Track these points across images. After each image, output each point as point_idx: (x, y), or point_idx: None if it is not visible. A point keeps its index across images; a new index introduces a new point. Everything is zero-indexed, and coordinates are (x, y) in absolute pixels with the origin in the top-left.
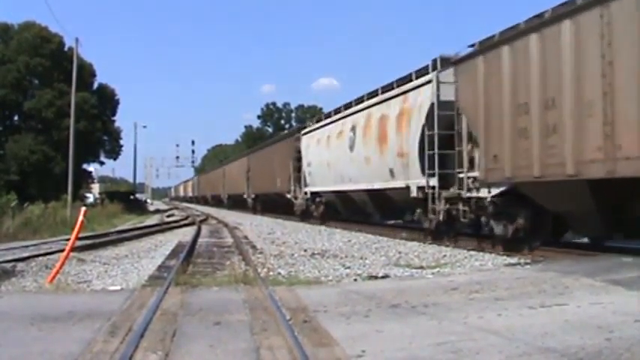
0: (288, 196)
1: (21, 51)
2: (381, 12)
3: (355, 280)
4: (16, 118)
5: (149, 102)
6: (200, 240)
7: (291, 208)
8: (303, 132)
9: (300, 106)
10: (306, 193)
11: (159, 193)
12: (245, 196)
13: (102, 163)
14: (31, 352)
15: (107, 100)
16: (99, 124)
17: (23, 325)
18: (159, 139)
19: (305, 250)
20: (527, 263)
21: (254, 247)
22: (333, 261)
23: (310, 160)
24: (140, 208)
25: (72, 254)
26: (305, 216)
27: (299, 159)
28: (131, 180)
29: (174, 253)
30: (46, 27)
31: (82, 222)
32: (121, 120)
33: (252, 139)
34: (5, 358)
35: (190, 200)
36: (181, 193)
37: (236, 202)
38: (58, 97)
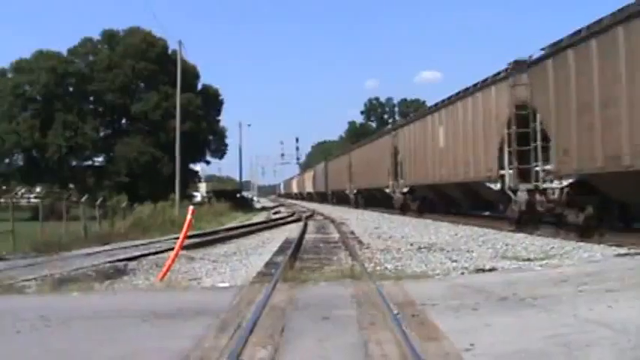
0: None
1: (127, 56)
2: (485, 2)
3: (462, 273)
4: (124, 121)
5: (253, 100)
6: (306, 236)
7: None
8: None
9: (404, 100)
10: None
11: (265, 191)
12: (499, 186)
13: (208, 163)
14: (145, 347)
15: (211, 101)
16: (204, 125)
17: (136, 322)
18: (263, 136)
19: (411, 244)
20: (637, 254)
21: (360, 242)
22: (440, 254)
23: None
24: (247, 205)
25: (181, 252)
26: None
27: None
28: (237, 178)
29: (281, 250)
30: (150, 32)
31: (191, 221)
32: (225, 119)
33: (356, 135)
34: (120, 354)
35: (310, 198)
36: (294, 189)
37: (431, 202)
38: (163, 100)
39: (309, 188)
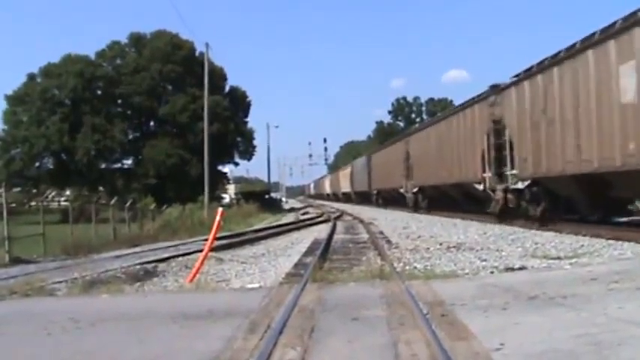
0: None
1: (154, 59)
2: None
3: (492, 272)
4: (151, 123)
5: (280, 101)
6: (335, 236)
7: None
8: None
9: (431, 100)
10: None
11: (293, 192)
12: None
13: (236, 164)
14: (175, 348)
15: (239, 102)
16: (232, 126)
17: (166, 323)
18: (291, 137)
19: (440, 244)
20: None
21: (389, 241)
22: (469, 254)
23: None
24: (275, 206)
25: (210, 254)
26: None
27: None
28: (265, 179)
29: (310, 250)
30: (177, 34)
31: (220, 222)
32: (253, 120)
33: (384, 135)
34: (150, 355)
35: (347, 199)
36: (327, 190)
37: None
38: (191, 102)
39: (345, 188)
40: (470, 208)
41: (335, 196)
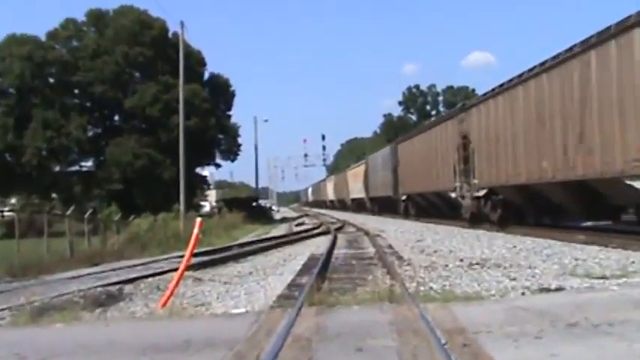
0: None
1: (118, 40)
2: None
3: (523, 294)
4: (116, 117)
5: (269, 93)
6: (336, 251)
7: None
8: None
9: (449, 88)
10: None
11: (286, 198)
12: None
13: (218, 166)
14: None
15: (221, 93)
16: (212, 121)
17: (133, 357)
18: (283, 135)
19: (461, 260)
20: None
21: (400, 257)
22: (496, 271)
23: None
24: (264, 216)
25: (187, 273)
26: None
27: None
28: (252, 184)
29: (306, 268)
30: (146, 11)
31: (198, 236)
32: (238, 115)
33: (393, 130)
34: None
35: (357, 206)
36: (329, 195)
37: None
38: (163, 92)
39: (356, 192)
40: (597, 223)
41: (341, 204)
